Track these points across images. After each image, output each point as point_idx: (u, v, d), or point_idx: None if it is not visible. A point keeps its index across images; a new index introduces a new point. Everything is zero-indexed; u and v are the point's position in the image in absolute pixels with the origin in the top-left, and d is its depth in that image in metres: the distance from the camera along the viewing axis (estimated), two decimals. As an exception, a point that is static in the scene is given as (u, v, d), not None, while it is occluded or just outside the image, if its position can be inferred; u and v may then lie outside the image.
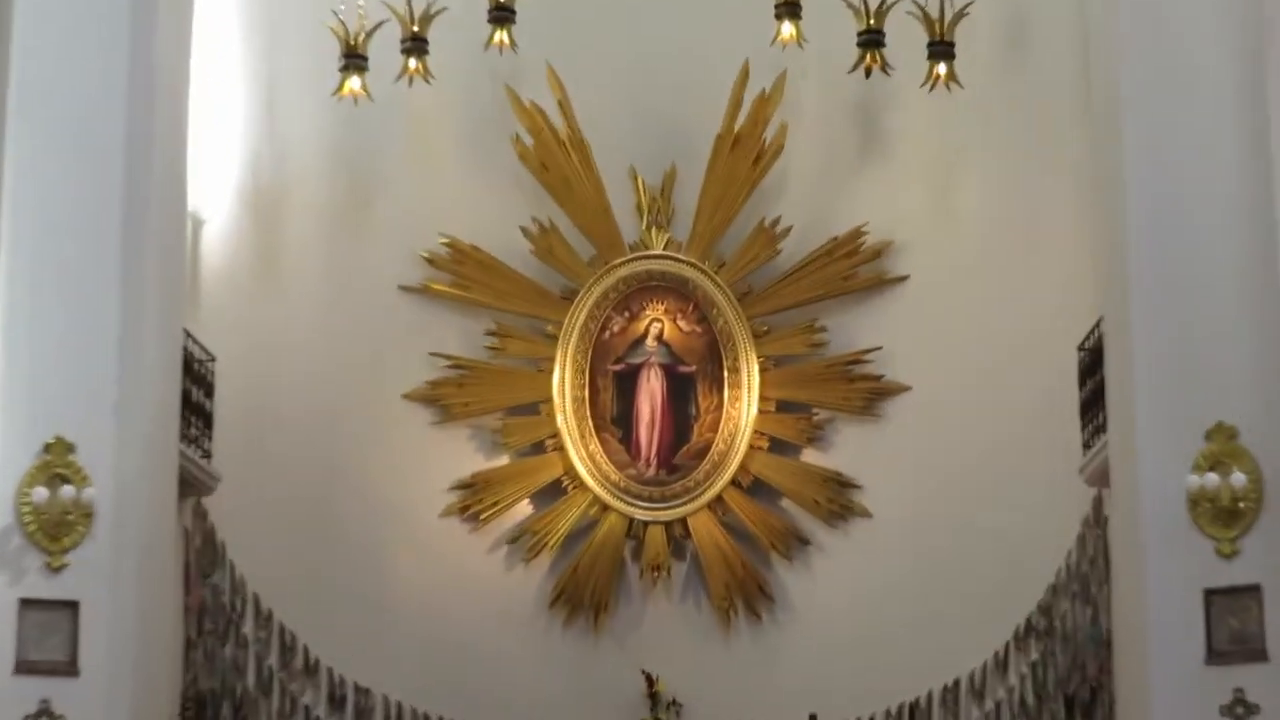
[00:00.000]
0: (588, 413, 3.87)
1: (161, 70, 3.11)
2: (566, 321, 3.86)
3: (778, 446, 3.88)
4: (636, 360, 3.88)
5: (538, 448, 3.94)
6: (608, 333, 3.89)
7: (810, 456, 3.90)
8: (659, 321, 3.89)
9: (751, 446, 3.84)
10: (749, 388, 3.83)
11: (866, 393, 3.83)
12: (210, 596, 3.63)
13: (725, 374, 3.84)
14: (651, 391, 3.88)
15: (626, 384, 3.88)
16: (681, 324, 3.89)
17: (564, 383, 3.87)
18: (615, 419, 3.89)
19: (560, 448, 3.88)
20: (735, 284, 3.87)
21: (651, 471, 3.87)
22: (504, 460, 3.96)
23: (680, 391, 3.87)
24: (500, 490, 3.91)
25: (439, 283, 3.94)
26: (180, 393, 3.40)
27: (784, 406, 3.87)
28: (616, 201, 3.90)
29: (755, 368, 3.82)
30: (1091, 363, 3.48)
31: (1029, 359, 3.75)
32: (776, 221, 3.86)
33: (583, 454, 3.87)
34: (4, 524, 2.91)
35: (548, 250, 3.87)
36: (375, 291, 3.97)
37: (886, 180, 3.87)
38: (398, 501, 3.90)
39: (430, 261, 3.92)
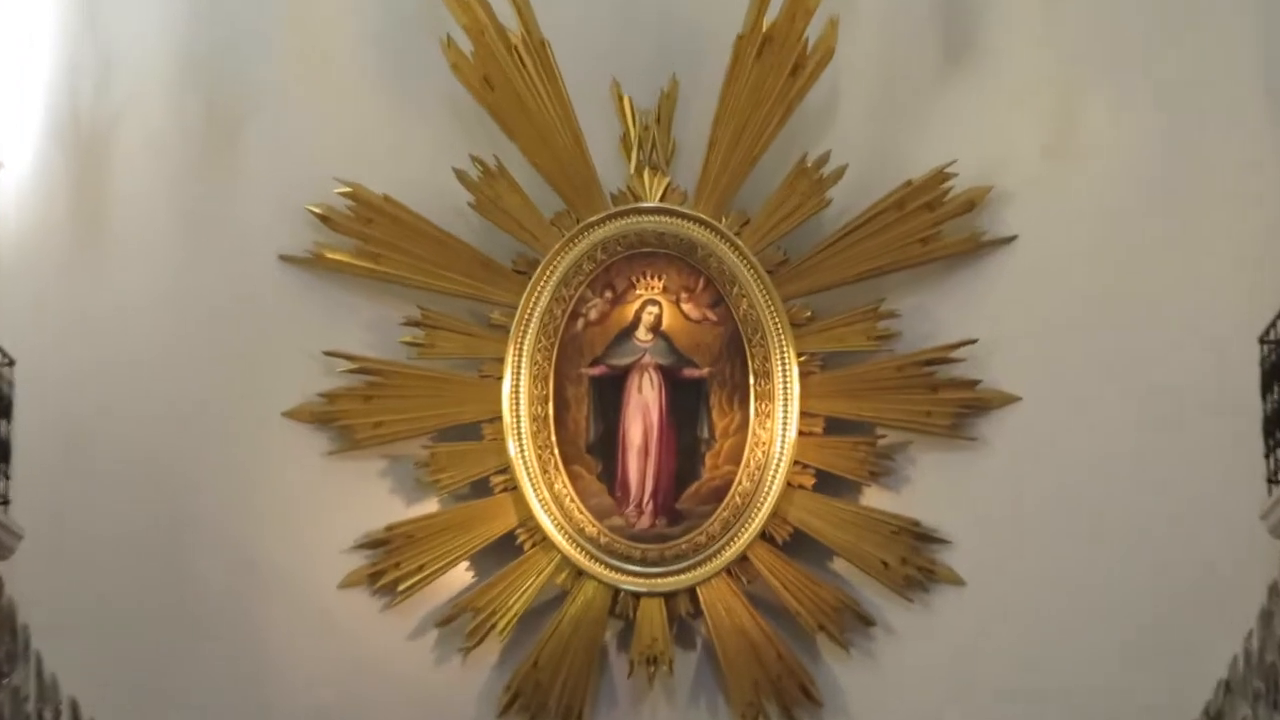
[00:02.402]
0: (552, 437, 3.74)
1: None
2: (522, 306, 3.74)
3: (828, 484, 3.74)
4: (623, 361, 3.75)
5: (480, 488, 3.80)
6: (581, 321, 3.77)
7: (875, 498, 3.77)
8: (655, 305, 3.76)
9: (789, 484, 3.71)
10: (785, 399, 3.69)
11: (956, 406, 3.69)
12: (7, 704, 3.44)
13: (751, 380, 3.72)
14: (645, 406, 3.74)
15: (609, 395, 3.76)
16: (688, 308, 3.76)
17: (518, 394, 3.74)
18: (593, 445, 3.78)
19: (513, 487, 3.76)
20: (765, 250, 3.73)
21: (645, 521, 3.75)
22: (431, 506, 3.84)
23: (686, 406, 3.75)
24: (426, 550, 3.78)
25: (336, 250, 3.82)
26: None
27: (836, 426, 3.74)
28: (593, 133, 3.76)
29: (794, 370, 3.68)
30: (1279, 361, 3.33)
31: (1188, 357, 3.66)
32: (824, 160, 3.71)
33: (545, 497, 3.75)
34: None
35: (494, 203, 3.74)
36: (244, 264, 3.86)
37: (982, 103, 3.77)
38: (278, 566, 3.80)
39: (324, 220, 3.80)
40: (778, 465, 3.70)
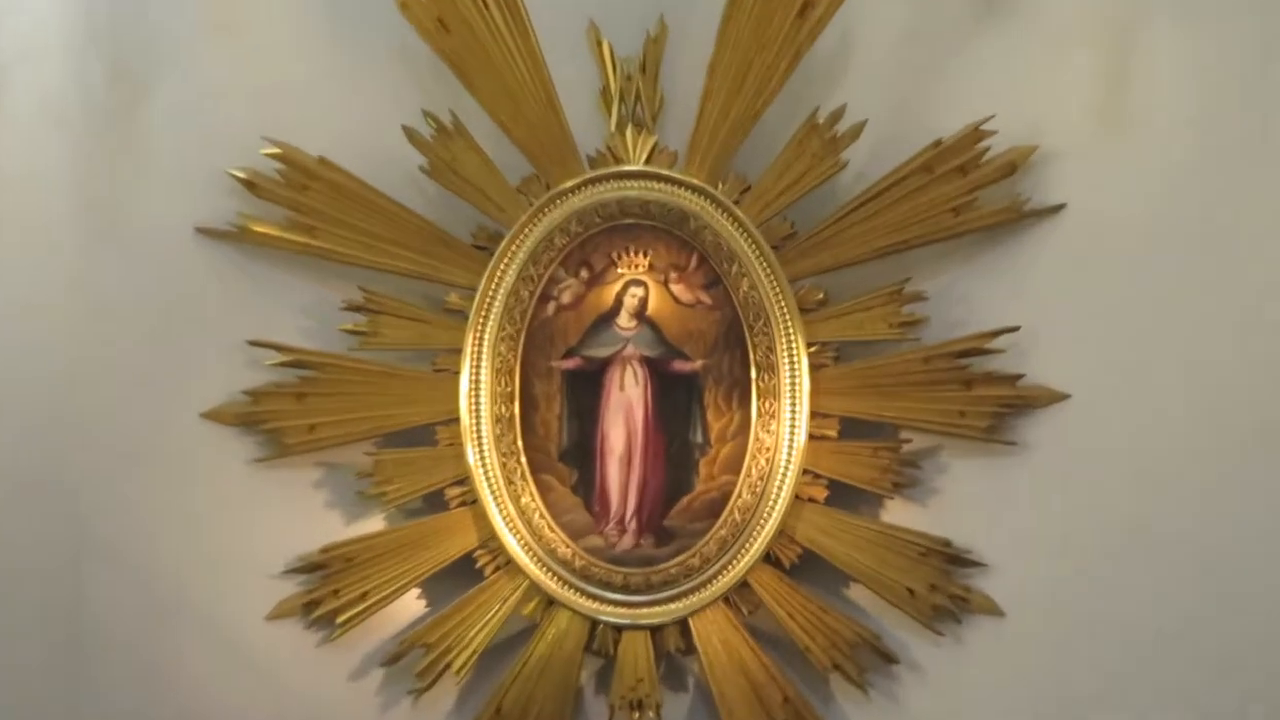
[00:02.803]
0: (518, 442, 3.45)
1: None
2: (483, 287, 3.43)
3: (843, 497, 3.43)
4: (602, 352, 3.46)
5: (434, 502, 3.52)
6: (552, 306, 3.47)
7: (899, 513, 3.44)
8: (639, 286, 3.45)
9: (798, 497, 3.40)
10: (793, 397, 3.38)
11: (994, 404, 3.36)
12: None
13: (753, 374, 3.40)
14: (628, 405, 3.45)
15: (586, 393, 3.47)
16: (678, 290, 3.44)
17: (478, 391, 3.45)
18: (567, 452, 3.49)
19: (472, 501, 3.49)
20: (769, 222, 3.39)
21: (628, 541, 3.46)
22: (376, 524, 3.56)
23: (676, 405, 3.45)
24: (370, 575, 3.52)
25: (263, 222, 3.52)
26: None
27: (853, 429, 3.41)
28: (567, 84, 3.44)
29: (803, 363, 3.36)
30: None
31: (1270, 347, 3.33)
32: (839, 115, 3.36)
33: (510, 512, 3.46)
34: None
35: (449, 166, 3.44)
36: (155, 241, 3.58)
37: (1026, 48, 3.42)
38: (194, 596, 3.55)
39: (249, 186, 3.51)
40: (784, 475, 3.39)
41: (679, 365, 3.43)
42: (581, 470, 3.45)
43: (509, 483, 3.43)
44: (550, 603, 3.45)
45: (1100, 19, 3.38)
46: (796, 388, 3.37)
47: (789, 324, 3.38)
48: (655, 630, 3.43)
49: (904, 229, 3.34)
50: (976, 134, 3.35)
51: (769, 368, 3.39)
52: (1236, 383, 3.33)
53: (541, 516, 3.44)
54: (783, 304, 3.38)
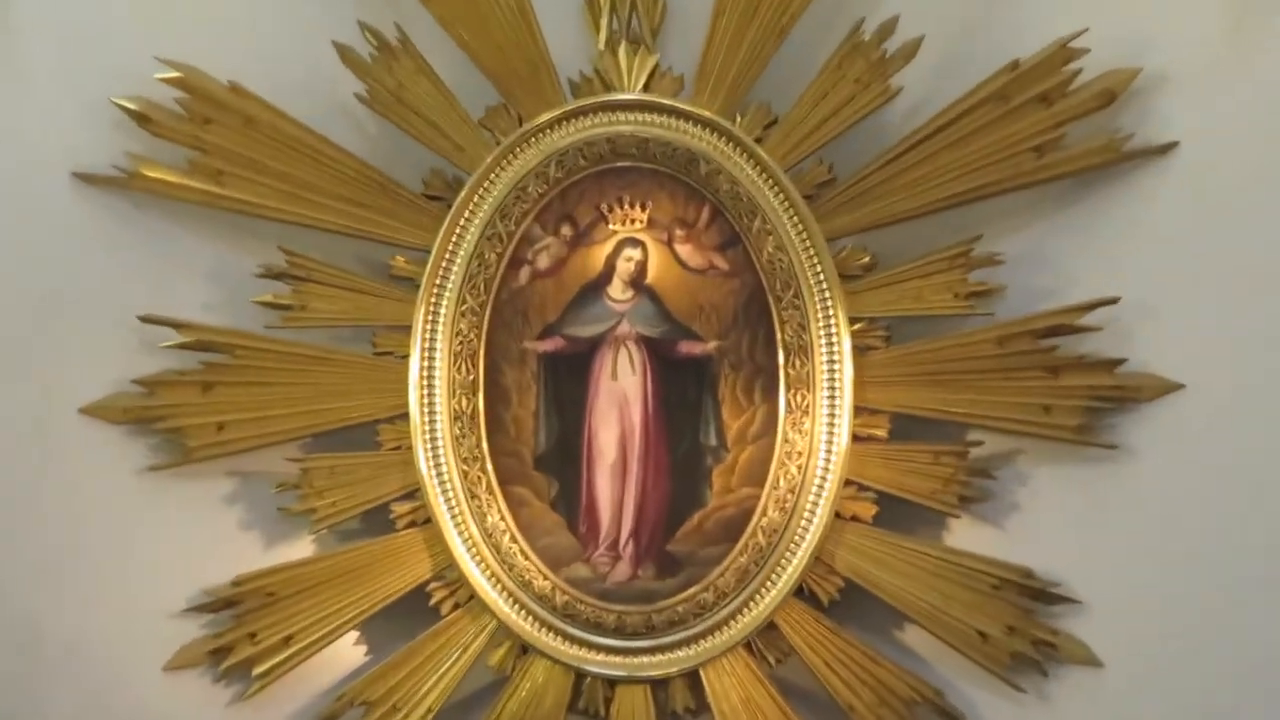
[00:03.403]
0: (483, 444, 3.31)
1: None
2: (437, 249, 3.29)
3: (896, 515, 3.27)
4: (590, 330, 3.33)
5: (376, 521, 3.38)
6: (526, 272, 3.33)
7: (967, 535, 3.27)
8: (636, 247, 3.31)
9: (839, 516, 3.26)
10: (833, 388, 3.24)
11: (1087, 397, 3.18)
12: None
13: (781, 359, 3.26)
14: (622, 399, 3.32)
15: (569, 382, 3.35)
16: (685, 252, 3.29)
17: (431, 380, 3.31)
18: (545, 457, 3.34)
19: (425, 521, 3.33)
20: (802, 165, 3.25)
21: (624, 570, 3.32)
22: (304, 548, 3.40)
23: (684, 397, 3.32)
24: (297, 614, 3.37)
25: (158, 166, 3.35)
26: None
27: (909, 428, 3.26)
28: None
29: (845, 345, 3.22)
30: None
31: None
32: (889, 30, 3.22)
33: (473, 534, 3.31)
34: None
35: (394, 94, 3.30)
36: (23, 189, 3.38)
37: None
38: (75, 640, 3.38)
39: (140, 120, 3.33)
40: (820, 487, 3.22)
41: (687, 347, 3.31)
42: (564, 480, 3.33)
43: (471, 496, 3.29)
44: (524, 649, 3.31)
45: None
46: (836, 376, 3.25)
47: (827, 295, 3.24)
48: (657, 684, 3.31)
49: (972, 174, 3.21)
50: (1064, 53, 3.18)
51: (801, 350, 3.26)
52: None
53: (513, 539, 3.30)
54: (818, 269, 3.24)
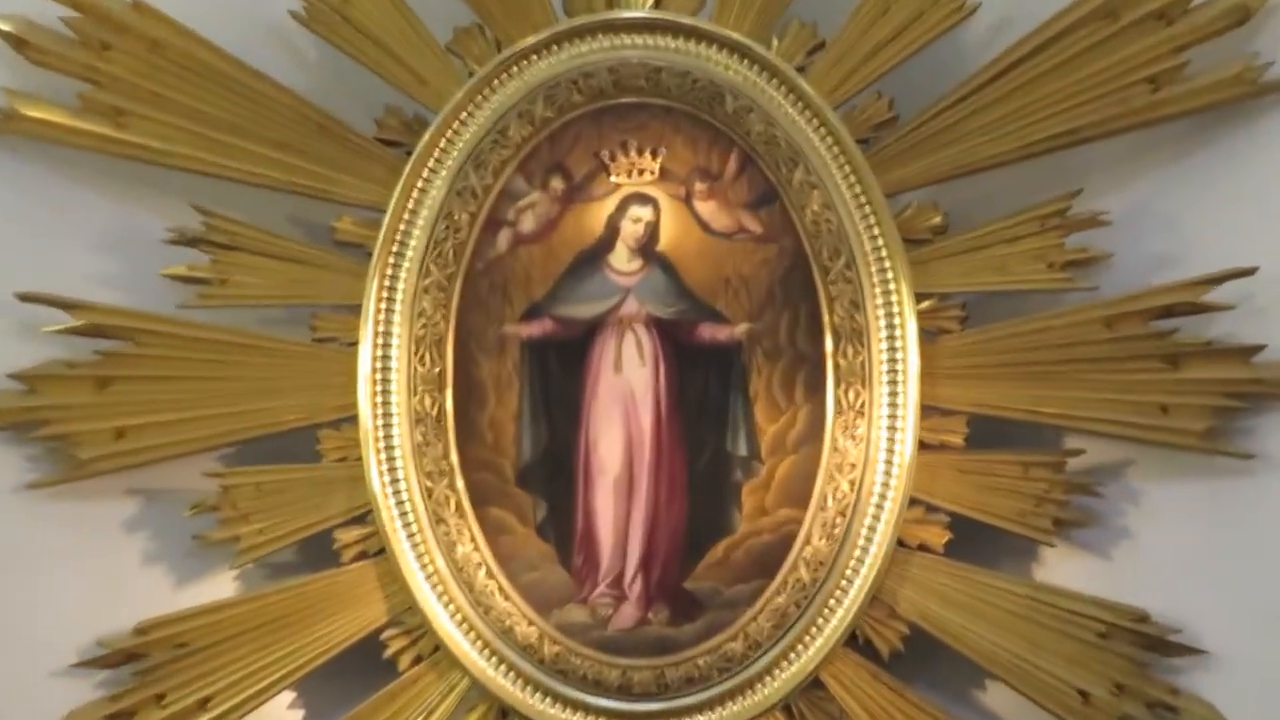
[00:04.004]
0: (451, 456, 3.14)
1: None
2: (394, 207, 3.15)
3: (975, 542, 3.12)
4: (587, 310, 3.19)
5: (318, 552, 3.21)
6: (507, 237, 3.17)
7: (1065, 569, 3.11)
8: (645, 204, 3.17)
9: (902, 544, 3.12)
10: (894, 383, 3.09)
11: (1215, 394, 3.04)
12: None
13: (829, 344, 3.11)
14: (627, 396, 3.17)
15: (561, 375, 3.19)
16: (708, 209, 3.13)
17: (386, 373, 3.16)
18: (531, 471, 3.18)
19: (378, 551, 3.18)
20: (855, 101, 3.14)
21: (630, 613, 3.14)
22: (225, 586, 3.23)
23: (706, 394, 3.16)
24: (218, 669, 3.17)
25: (40, 104, 3.16)
26: None
27: (991, 433, 3.13)
28: None
29: (911, 328, 3.08)
30: None
31: None
32: None
33: (438, 568, 3.14)
34: None
35: (339, 13, 3.18)
36: None
37: None
38: None
39: (19, 44, 3.15)
40: (879, 508, 3.05)
41: (709, 331, 3.14)
42: (554, 500, 3.15)
43: (437, 521, 3.11)
44: (504, 714, 3.14)
45: None
46: (899, 367, 3.08)
47: (886, 265, 3.07)
48: (671, 757, 3.37)
49: (1070, 112, 3.05)
50: (1192, -44, 3.19)
51: (854, 335, 3.09)
52: None
53: (489, 575, 3.12)
54: (876, 232, 3.08)
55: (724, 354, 3.12)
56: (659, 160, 3.11)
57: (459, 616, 3.09)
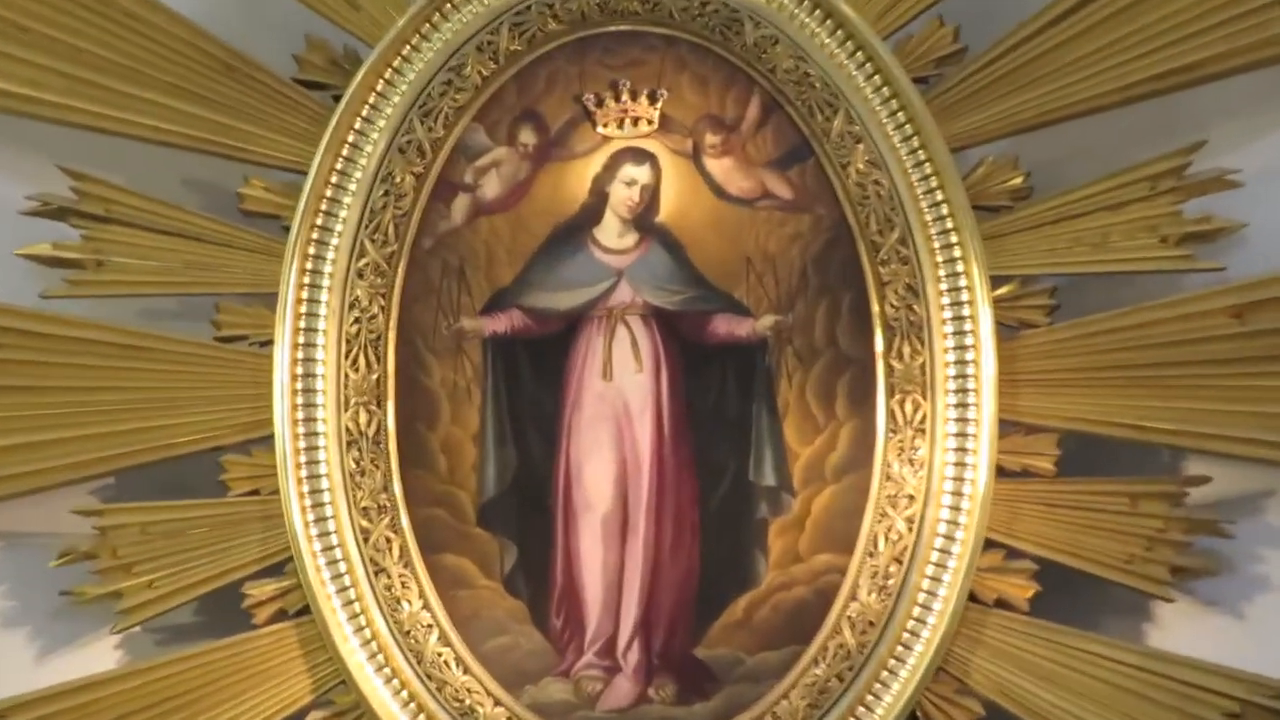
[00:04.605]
0: (394, 487, 2.86)
1: None
2: (318, 167, 2.87)
3: (1068, 594, 2.90)
4: (567, 299, 2.93)
5: (223, 612, 2.95)
6: (464, 204, 2.93)
7: (1185, 630, 2.84)
8: (642, 162, 2.93)
9: (974, 599, 2.86)
10: (962, 389, 2.81)
11: None
12: None
13: (878, 342, 2.86)
14: (620, 409, 2.91)
15: (534, 383, 2.92)
16: (722, 167, 2.89)
17: (310, 380, 2.87)
18: (496, 506, 2.89)
19: (301, 610, 2.90)
20: (907, 28, 2.90)
21: (627, 687, 2.86)
22: (103, 657, 2.95)
23: (721, 406, 2.91)
24: None
25: None
26: None
27: (1086, 455, 2.92)
28: None
29: (985, 319, 2.82)
30: None
31: None
32: None
33: (378, 632, 2.85)
34: None
35: None
36: None
37: None
38: None
39: None
40: (945, 553, 2.79)
41: (725, 326, 2.91)
42: (526, 544, 2.90)
43: (376, 571, 2.86)
44: None
45: None
46: (970, 372, 2.82)
47: (953, 240, 2.83)
48: None
49: (1185, 43, 2.78)
50: None
51: (912, 330, 2.86)
52: None
53: (443, 640, 2.87)
54: (939, 198, 2.83)
55: (744, 355, 2.92)
56: (658, 106, 2.90)
57: (405, 694, 2.84)
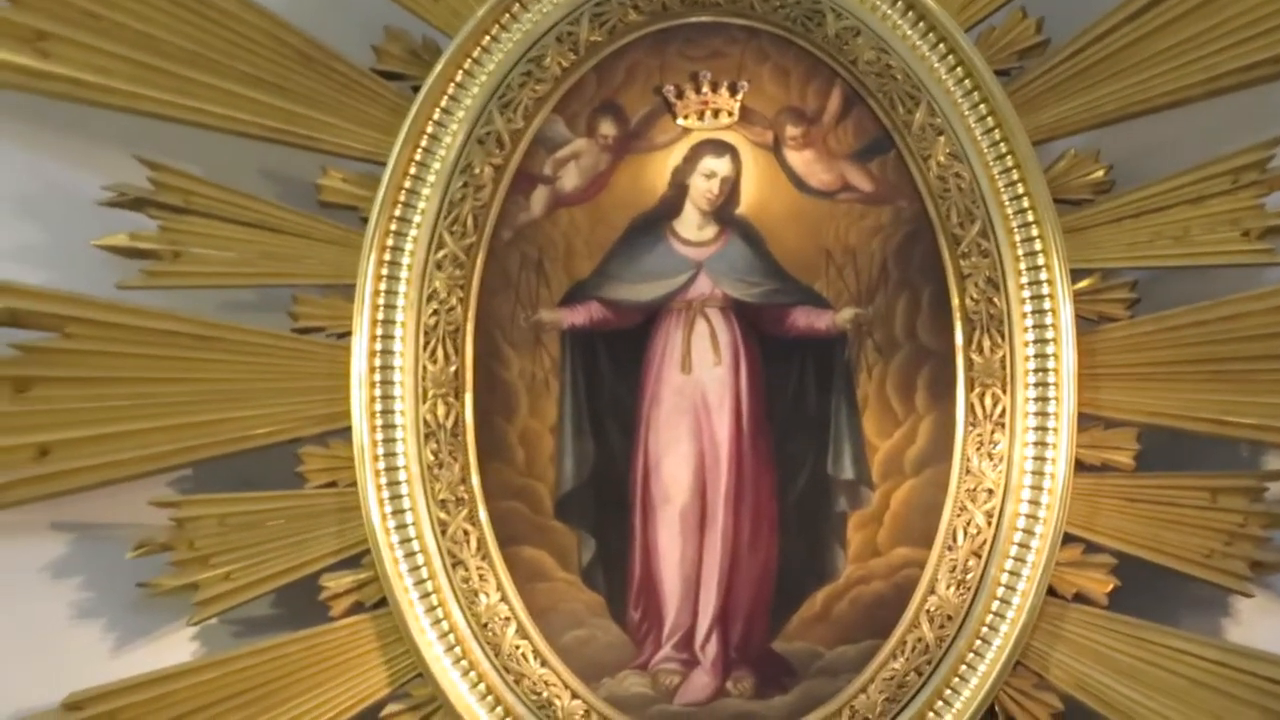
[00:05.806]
0: (472, 479, 2.87)
1: None
2: (397, 159, 2.87)
3: (1148, 589, 2.91)
4: (646, 291, 2.93)
5: (301, 605, 2.94)
6: (542, 197, 2.93)
7: (1266, 626, 2.87)
8: (722, 154, 2.92)
9: (1054, 593, 2.89)
10: (1043, 384, 2.82)
11: None
12: None
13: (958, 336, 2.85)
14: (699, 402, 2.91)
15: (613, 377, 2.93)
16: (803, 160, 2.89)
17: (388, 373, 2.88)
18: (574, 499, 2.91)
19: (378, 602, 2.88)
20: (990, 19, 2.91)
21: (705, 681, 2.85)
22: (182, 648, 2.93)
23: (800, 400, 2.91)
24: None
25: None
26: None
27: (1166, 449, 2.89)
28: None
29: (1066, 313, 2.83)
30: None
31: None
32: None
33: (456, 624, 2.84)
34: None
35: None
36: None
37: None
38: None
39: None
40: (1025, 547, 2.79)
41: (805, 319, 2.90)
42: (604, 537, 2.91)
43: (454, 563, 2.86)
44: None
45: None
46: (1051, 365, 2.83)
47: (1034, 233, 2.83)
48: None
49: (1268, 37, 2.78)
50: None
51: (993, 324, 2.85)
52: None
53: (521, 633, 2.88)
54: (1020, 191, 2.83)
55: (823, 348, 2.92)
56: (739, 98, 2.92)
57: (482, 687, 2.86)
